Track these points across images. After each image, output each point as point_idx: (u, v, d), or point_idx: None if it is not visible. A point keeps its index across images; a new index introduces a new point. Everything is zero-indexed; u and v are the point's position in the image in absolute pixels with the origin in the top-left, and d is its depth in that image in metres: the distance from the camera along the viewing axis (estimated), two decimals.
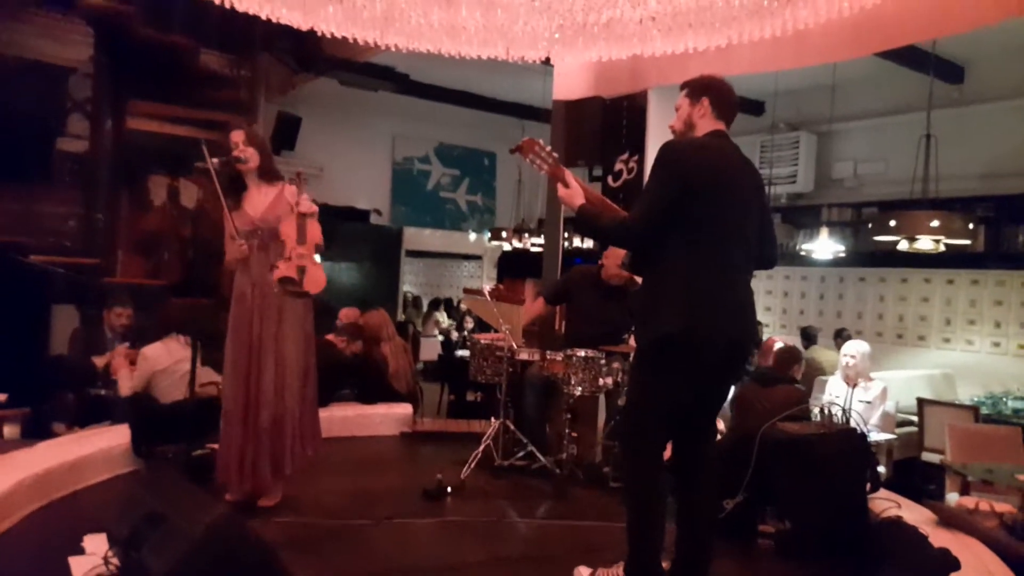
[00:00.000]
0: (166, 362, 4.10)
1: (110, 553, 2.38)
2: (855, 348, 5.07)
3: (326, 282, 3.32)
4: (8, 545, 2.79)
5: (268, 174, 3.34)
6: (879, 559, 2.61)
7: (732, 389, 4.56)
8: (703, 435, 2.68)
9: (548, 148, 2.79)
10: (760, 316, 9.25)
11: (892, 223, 5.54)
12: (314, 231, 3.28)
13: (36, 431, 4.53)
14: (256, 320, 3.23)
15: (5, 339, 5.43)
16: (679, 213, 2.46)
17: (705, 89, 2.64)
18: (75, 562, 2.54)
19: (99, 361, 4.85)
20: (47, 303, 6.23)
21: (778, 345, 4.76)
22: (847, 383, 5.00)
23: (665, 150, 2.58)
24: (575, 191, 2.70)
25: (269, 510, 3.26)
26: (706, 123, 2.62)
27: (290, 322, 3.26)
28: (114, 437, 3.88)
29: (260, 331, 3.22)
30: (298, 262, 3.21)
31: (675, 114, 2.71)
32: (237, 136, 3.30)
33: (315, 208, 3.27)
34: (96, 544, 2.59)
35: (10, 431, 4.41)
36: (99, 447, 3.74)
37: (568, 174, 2.76)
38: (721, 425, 5.12)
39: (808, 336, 7.84)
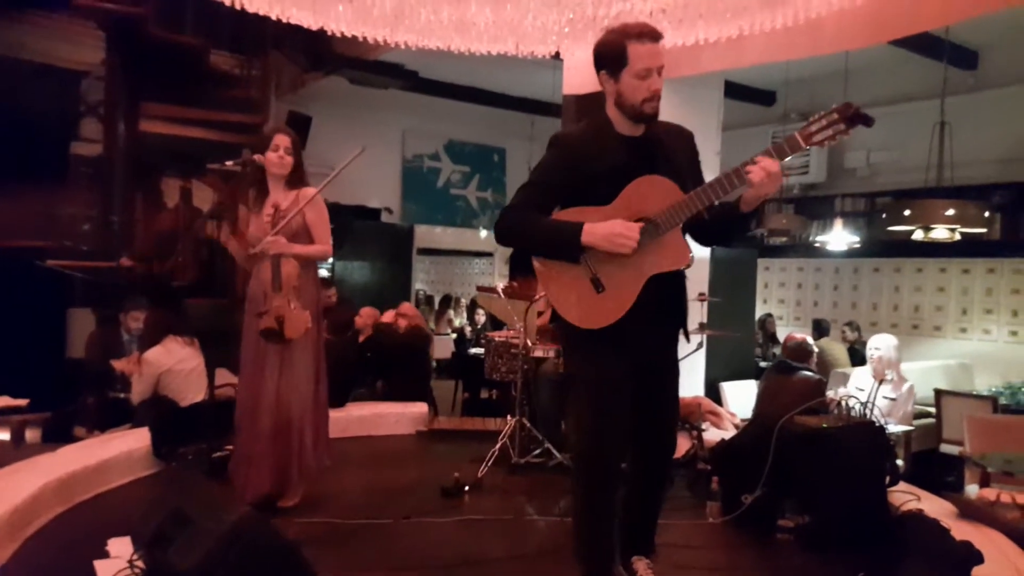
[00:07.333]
0: (168, 363, 4.16)
1: (135, 556, 2.41)
2: (881, 341, 4.97)
3: (309, 323, 3.20)
4: (34, 548, 2.82)
5: (295, 182, 3.35)
6: (900, 552, 2.59)
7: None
8: None
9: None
10: (773, 308, 9.22)
11: (907, 212, 5.49)
12: (292, 267, 3.17)
13: (58, 435, 4.59)
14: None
15: (25, 344, 5.49)
16: None
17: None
18: (100, 565, 2.56)
19: (118, 365, 4.90)
20: (64, 307, 6.30)
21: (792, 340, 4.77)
22: (875, 377, 4.92)
23: None
24: None
25: (290, 510, 3.28)
26: None
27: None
28: (135, 440, 3.92)
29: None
30: (276, 312, 3.13)
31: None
32: (282, 141, 3.32)
33: (291, 248, 3.16)
34: (120, 547, 2.61)
35: (32, 435, 4.47)
36: (120, 450, 3.78)
37: None
38: (737, 419, 5.11)
39: (820, 328, 7.82)
